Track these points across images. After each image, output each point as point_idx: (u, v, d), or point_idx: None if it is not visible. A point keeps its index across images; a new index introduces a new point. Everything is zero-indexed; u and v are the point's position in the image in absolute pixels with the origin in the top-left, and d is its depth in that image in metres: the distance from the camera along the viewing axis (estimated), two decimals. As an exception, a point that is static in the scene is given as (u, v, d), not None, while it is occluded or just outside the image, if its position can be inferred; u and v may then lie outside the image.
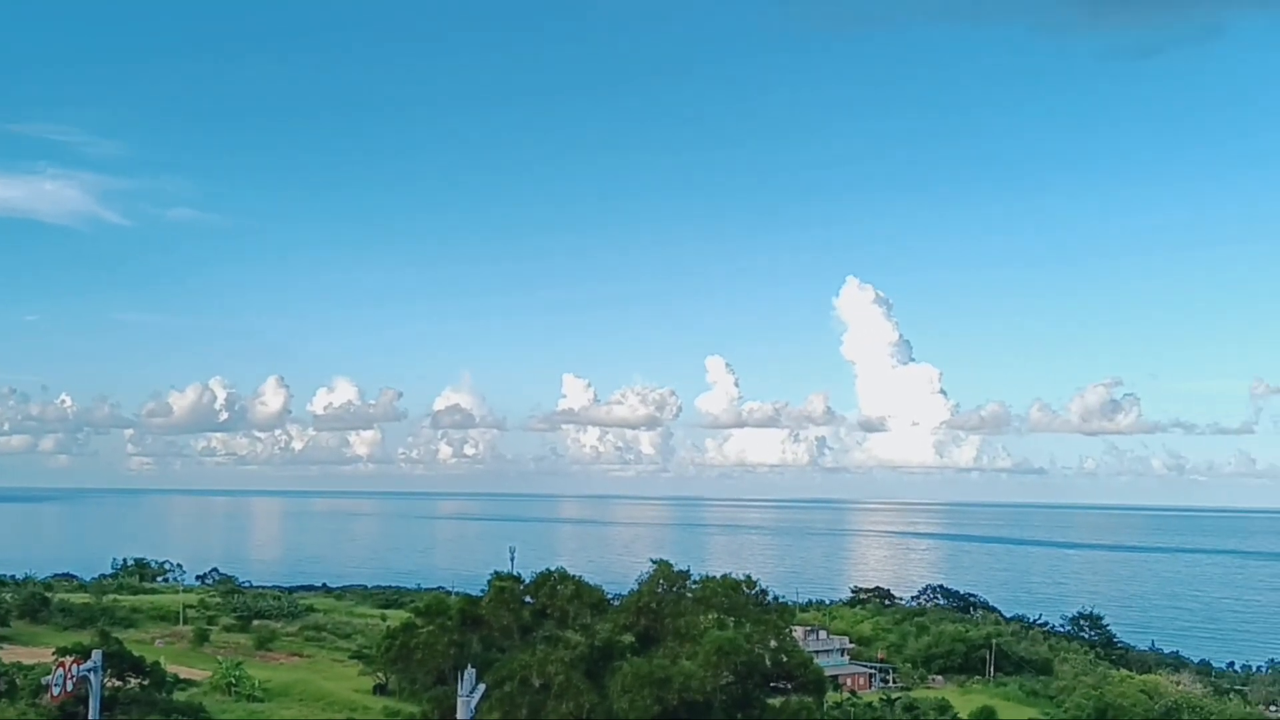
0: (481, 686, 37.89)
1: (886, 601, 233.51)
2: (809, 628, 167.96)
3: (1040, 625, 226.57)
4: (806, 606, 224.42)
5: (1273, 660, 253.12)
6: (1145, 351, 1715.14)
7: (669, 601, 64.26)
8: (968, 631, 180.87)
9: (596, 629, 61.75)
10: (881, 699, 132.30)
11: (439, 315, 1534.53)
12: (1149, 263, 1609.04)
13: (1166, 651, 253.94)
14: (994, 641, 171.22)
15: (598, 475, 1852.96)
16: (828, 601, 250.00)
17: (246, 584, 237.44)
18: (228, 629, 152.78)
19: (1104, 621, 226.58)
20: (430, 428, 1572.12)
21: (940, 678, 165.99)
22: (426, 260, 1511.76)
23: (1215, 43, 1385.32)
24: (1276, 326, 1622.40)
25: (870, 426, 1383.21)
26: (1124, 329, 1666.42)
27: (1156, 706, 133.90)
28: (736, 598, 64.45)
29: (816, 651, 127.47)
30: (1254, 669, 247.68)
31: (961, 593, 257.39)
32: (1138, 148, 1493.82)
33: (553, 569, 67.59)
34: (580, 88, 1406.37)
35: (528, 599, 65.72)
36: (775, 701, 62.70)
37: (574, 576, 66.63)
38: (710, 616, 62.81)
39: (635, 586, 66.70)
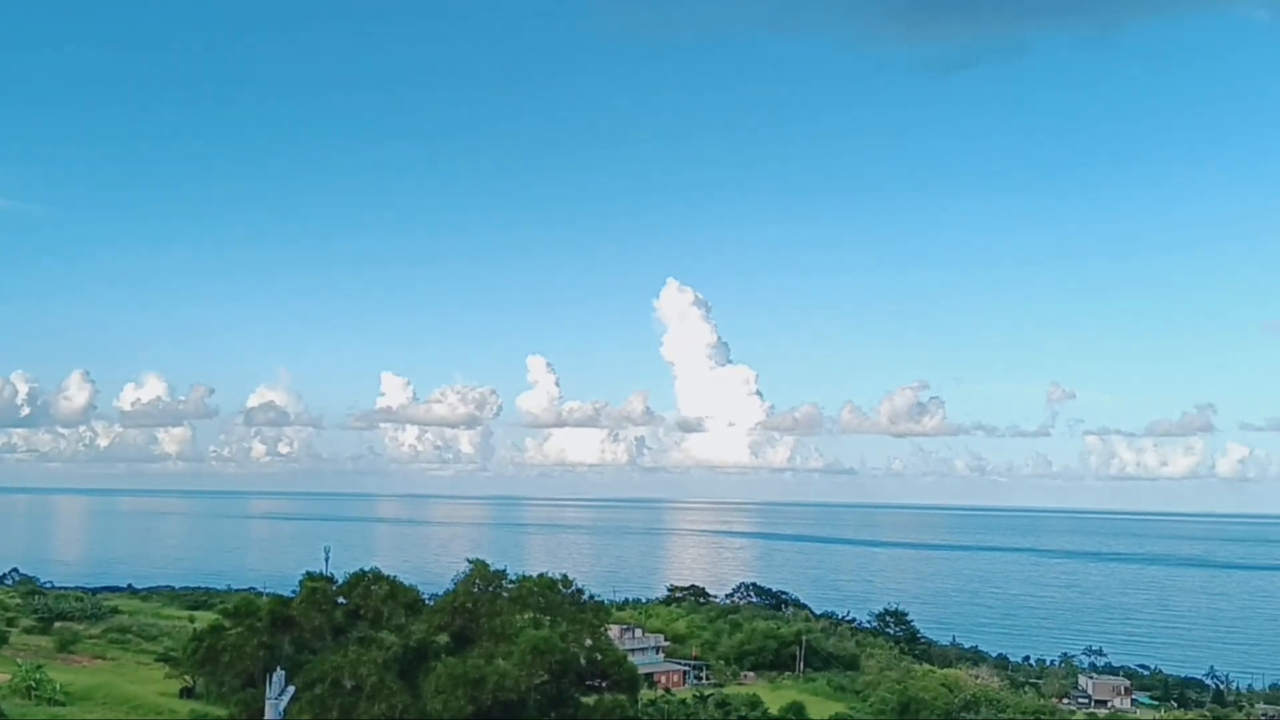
0: (291, 689, 37.41)
1: (701, 600, 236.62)
2: (625, 626, 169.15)
3: (848, 622, 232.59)
4: (623, 605, 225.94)
5: (1065, 654, 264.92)
6: (951, 356, 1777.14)
7: (485, 601, 64.17)
8: (779, 628, 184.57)
9: (411, 629, 61.35)
10: (695, 696, 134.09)
11: (255, 311, 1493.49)
12: (955, 270, 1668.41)
13: (967, 646, 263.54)
14: (804, 638, 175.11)
15: (416, 474, 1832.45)
16: (644, 600, 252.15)
17: (48, 585, 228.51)
18: (28, 631, 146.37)
19: (908, 618, 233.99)
20: (243, 425, 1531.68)
21: (752, 674, 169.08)
22: (242, 256, 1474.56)
23: (1021, 58, 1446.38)
24: (1072, 333, 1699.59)
25: (688, 427, 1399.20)
26: (931, 334, 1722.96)
27: (956, 700, 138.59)
28: (553, 597, 64.73)
29: (631, 650, 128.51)
30: (1048, 662, 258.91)
31: (774, 590, 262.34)
32: (949, 159, 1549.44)
33: (367, 569, 66.88)
34: (392, 84, 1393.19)
35: (341, 600, 64.84)
36: (589, 700, 63.16)
37: (389, 577, 66.03)
38: (526, 616, 62.95)
39: (451, 586, 66.44)
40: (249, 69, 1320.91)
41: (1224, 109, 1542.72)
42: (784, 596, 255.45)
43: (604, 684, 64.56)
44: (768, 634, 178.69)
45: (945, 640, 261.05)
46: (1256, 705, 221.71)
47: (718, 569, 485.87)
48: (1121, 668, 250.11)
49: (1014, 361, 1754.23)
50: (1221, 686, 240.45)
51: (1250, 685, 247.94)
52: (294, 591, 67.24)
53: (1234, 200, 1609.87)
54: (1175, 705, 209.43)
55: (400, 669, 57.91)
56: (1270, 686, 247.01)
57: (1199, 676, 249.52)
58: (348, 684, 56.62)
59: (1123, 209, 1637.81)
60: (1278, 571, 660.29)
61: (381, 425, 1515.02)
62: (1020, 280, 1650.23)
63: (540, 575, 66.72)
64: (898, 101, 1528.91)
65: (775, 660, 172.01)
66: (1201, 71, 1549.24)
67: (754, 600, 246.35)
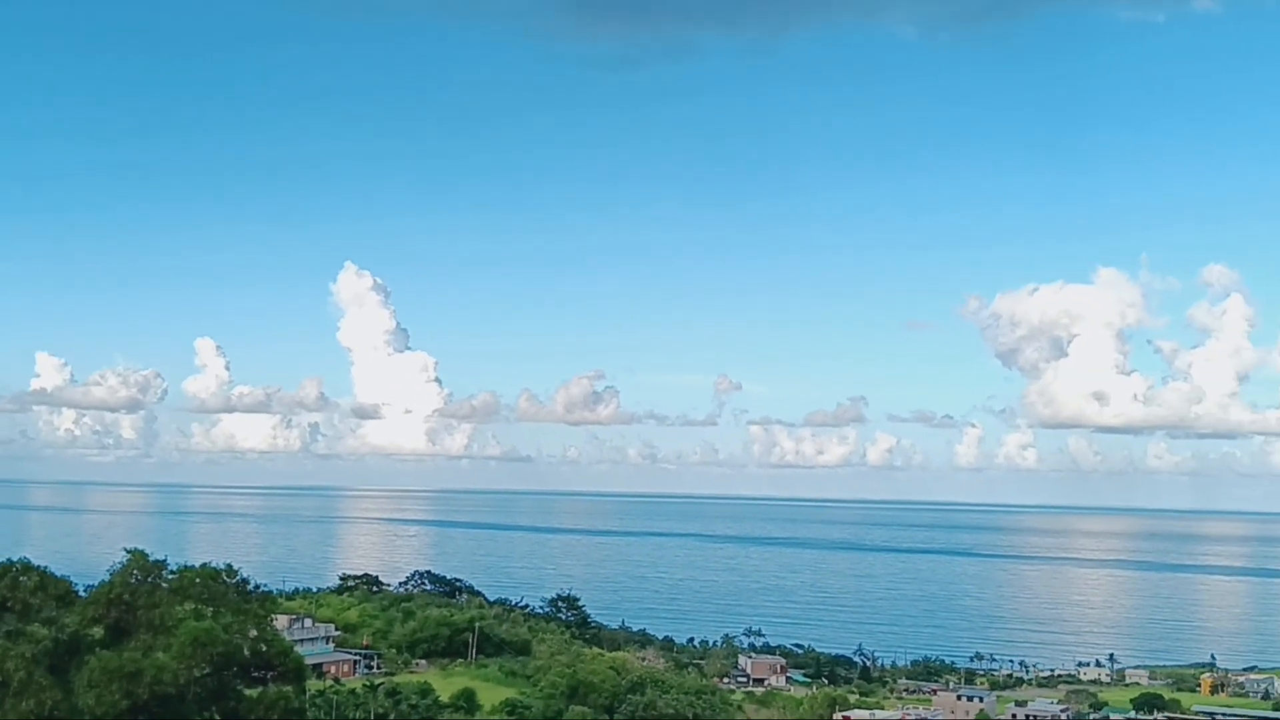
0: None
1: (374, 588, 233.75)
2: (294, 616, 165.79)
3: (522, 608, 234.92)
4: (292, 595, 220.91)
5: (727, 635, 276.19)
6: (626, 346, 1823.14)
7: (143, 592, 61.57)
8: (452, 616, 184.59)
9: (63, 622, 58.31)
10: (365, 686, 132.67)
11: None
12: (632, 264, 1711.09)
13: (635, 629, 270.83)
14: (477, 625, 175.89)
15: (73, 460, 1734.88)
16: (315, 589, 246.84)
17: None
18: None
19: (580, 603, 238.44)
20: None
21: (424, 662, 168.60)
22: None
23: (689, 61, 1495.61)
24: (740, 327, 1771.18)
25: (365, 413, 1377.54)
26: (608, 325, 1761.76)
27: (624, 682, 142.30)
28: (216, 587, 62.76)
29: (300, 640, 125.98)
30: (711, 643, 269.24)
31: (448, 578, 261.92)
32: (617, 154, 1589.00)
33: (15, 559, 63.15)
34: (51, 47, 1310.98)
35: (-16, 592, 60.97)
36: (253, 692, 61.78)
37: (39, 567, 62.62)
38: (187, 607, 60.81)
39: (107, 577, 63.48)
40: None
41: (877, 118, 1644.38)
42: (458, 584, 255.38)
43: (269, 675, 63.21)
44: (441, 622, 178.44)
45: (615, 624, 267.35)
46: (899, 680, 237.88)
47: (392, 557, 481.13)
48: (779, 647, 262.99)
49: (686, 353, 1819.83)
50: (868, 663, 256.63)
51: (894, 661, 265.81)
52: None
53: (882, 207, 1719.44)
54: (826, 682, 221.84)
55: (51, 664, 54.96)
56: (912, 662, 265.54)
57: (848, 654, 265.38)
58: (-9, 681, 53.39)
59: (785, 212, 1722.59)
60: (919, 554, 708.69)
61: (35, 408, 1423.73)
62: (693, 276, 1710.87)
63: (203, 565, 64.52)
64: (569, 96, 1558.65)
65: (448, 648, 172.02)
66: (857, 80, 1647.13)
67: (428, 588, 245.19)
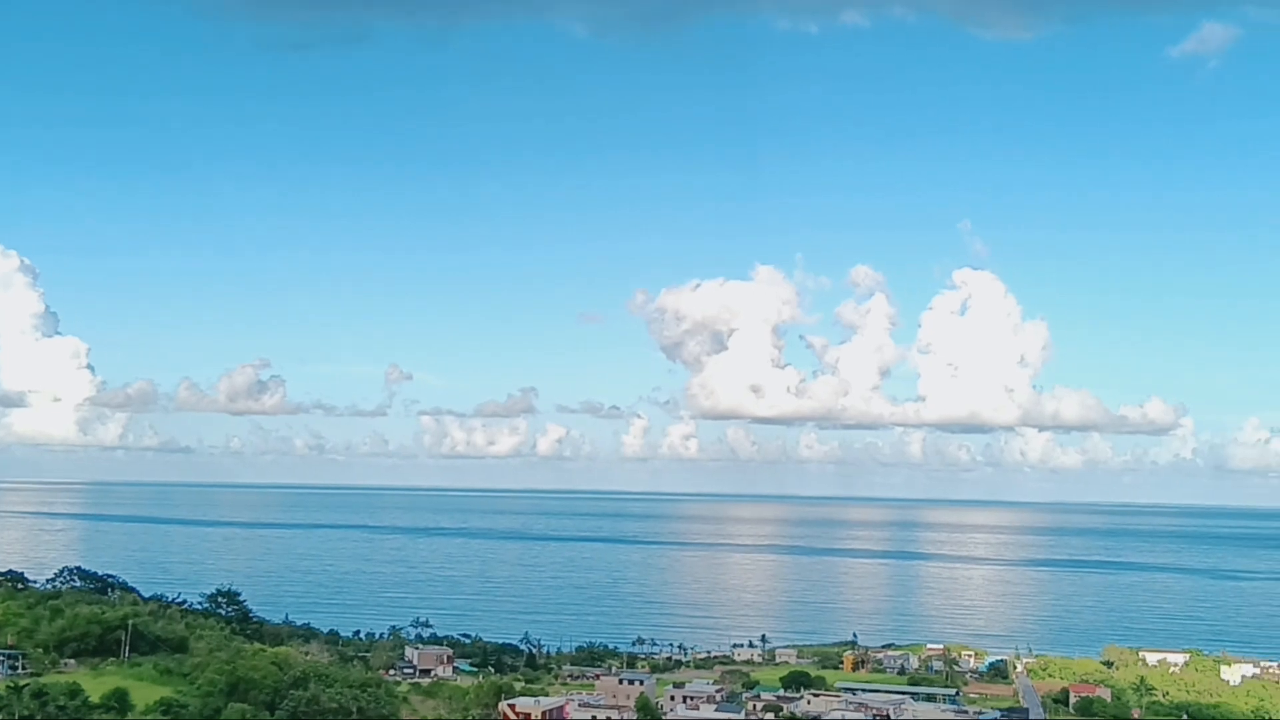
0: None
1: (19, 585, 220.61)
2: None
3: (179, 604, 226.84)
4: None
5: (394, 627, 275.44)
6: (293, 335, 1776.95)
7: None
8: (104, 613, 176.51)
9: None
10: (8, 687, 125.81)
11: None
12: (299, 250, 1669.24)
13: (299, 623, 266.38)
14: (130, 622, 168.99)
15: None
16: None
17: None
18: None
19: (241, 597, 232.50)
20: None
21: (73, 661, 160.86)
22: None
23: (361, 46, 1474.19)
24: (410, 317, 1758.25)
25: (9, 401, 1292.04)
26: (274, 313, 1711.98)
27: (286, 677, 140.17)
28: None
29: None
30: (378, 635, 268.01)
31: (100, 574, 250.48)
32: (287, 138, 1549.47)
33: None
34: None
35: None
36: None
37: None
38: None
39: None
40: None
41: (547, 114, 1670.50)
42: (110, 580, 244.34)
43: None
44: (91, 619, 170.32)
45: (278, 619, 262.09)
46: (564, 666, 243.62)
47: (38, 553, 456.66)
48: (446, 637, 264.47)
49: (355, 343, 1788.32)
50: (534, 651, 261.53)
51: (560, 648, 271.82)
52: None
53: (556, 201, 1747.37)
54: (493, 671, 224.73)
55: None
56: (577, 649, 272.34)
57: (515, 643, 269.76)
58: None
59: (459, 202, 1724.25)
60: (586, 542, 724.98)
61: None
62: (364, 265, 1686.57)
63: None
64: (237, 77, 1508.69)
65: (100, 646, 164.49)
66: (527, 75, 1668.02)
67: (77, 585, 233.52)
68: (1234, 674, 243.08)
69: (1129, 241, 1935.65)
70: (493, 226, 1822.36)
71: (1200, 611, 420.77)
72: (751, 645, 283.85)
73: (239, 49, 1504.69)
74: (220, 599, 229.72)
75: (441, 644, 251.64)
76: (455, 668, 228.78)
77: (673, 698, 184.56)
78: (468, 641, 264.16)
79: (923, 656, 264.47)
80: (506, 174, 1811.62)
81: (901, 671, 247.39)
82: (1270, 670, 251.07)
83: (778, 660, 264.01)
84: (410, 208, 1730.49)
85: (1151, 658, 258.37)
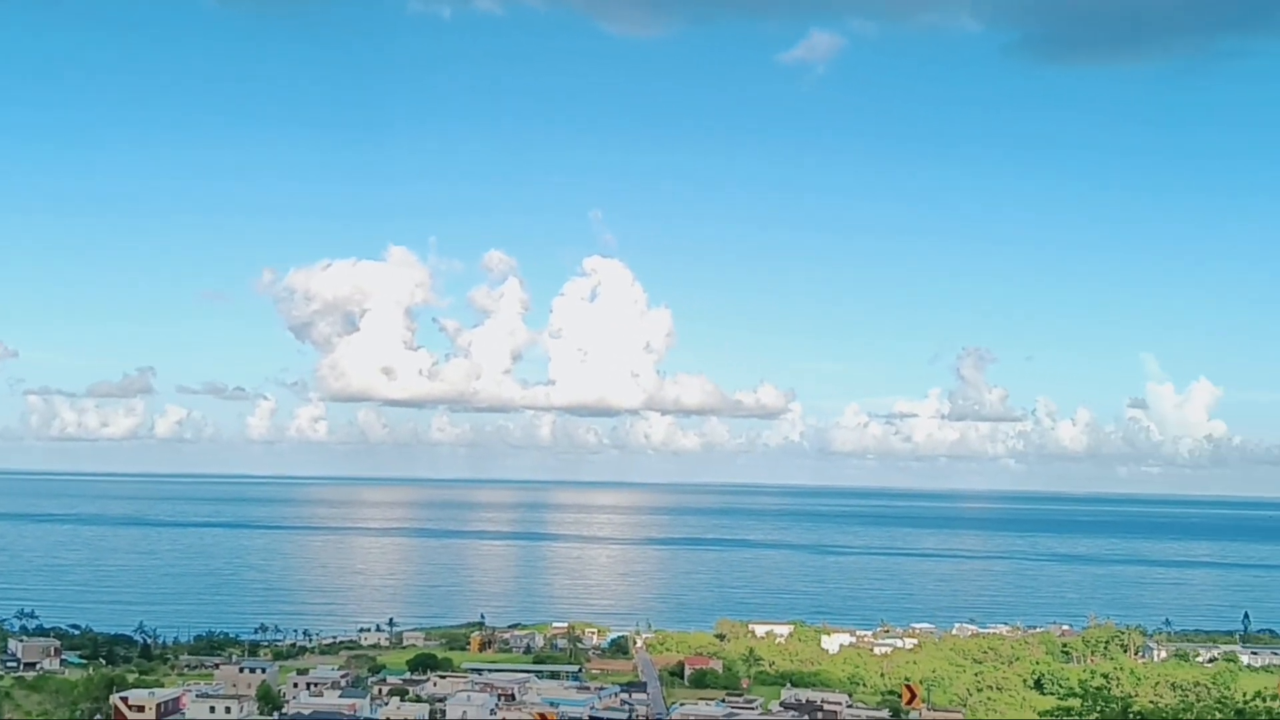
0: None
1: None
2: None
3: None
4: None
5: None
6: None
7: None
8: None
9: None
10: None
11: None
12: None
13: None
14: None
15: None
16: None
17: None
18: None
19: None
20: None
21: None
22: None
23: None
24: (14, 288, 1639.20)
25: None
26: None
27: None
28: None
29: None
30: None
31: None
32: None
33: None
34: None
35: None
36: None
37: None
38: None
39: None
40: None
41: (169, 84, 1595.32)
42: None
43: None
44: None
45: None
46: (181, 656, 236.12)
47: None
48: (53, 629, 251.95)
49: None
50: (149, 641, 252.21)
51: (177, 638, 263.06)
52: None
53: (177, 171, 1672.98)
54: (104, 663, 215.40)
55: None
56: (195, 638, 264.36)
57: (129, 633, 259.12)
58: None
59: (71, 168, 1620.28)
60: (206, 528, 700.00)
61: None
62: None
63: None
64: None
65: None
66: (154, 41, 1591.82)
67: None
68: (833, 643, 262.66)
69: (747, 236, 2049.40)
70: (109, 194, 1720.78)
71: (804, 585, 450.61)
72: (379, 629, 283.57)
73: None
74: None
75: (48, 635, 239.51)
76: (63, 660, 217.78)
77: (295, 685, 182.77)
78: (76, 633, 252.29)
79: (548, 635, 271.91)
80: (125, 141, 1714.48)
81: (527, 650, 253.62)
82: (864, 639, 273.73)
83: (405, 643, 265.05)
84: (18, 169, 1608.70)
85: (760, 630, 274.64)
